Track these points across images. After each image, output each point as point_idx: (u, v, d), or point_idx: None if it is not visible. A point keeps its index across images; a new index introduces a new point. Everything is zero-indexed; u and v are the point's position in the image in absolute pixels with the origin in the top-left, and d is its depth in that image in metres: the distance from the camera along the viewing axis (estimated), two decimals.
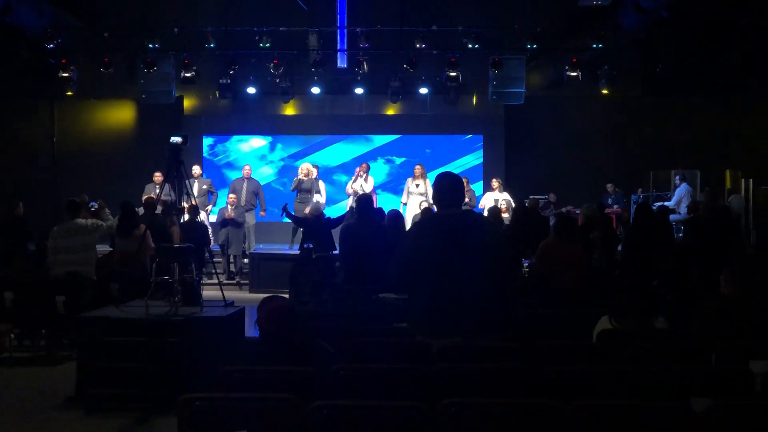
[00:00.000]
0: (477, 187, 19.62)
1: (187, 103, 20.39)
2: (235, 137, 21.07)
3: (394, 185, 20.43)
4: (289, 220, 14.53)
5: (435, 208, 6.44)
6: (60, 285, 10.34)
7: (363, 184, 16.93)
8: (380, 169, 20.32)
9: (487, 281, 5.70)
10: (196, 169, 17.60)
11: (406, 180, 17.95)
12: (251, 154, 20.96)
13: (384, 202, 17.84)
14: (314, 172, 17.36)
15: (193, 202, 12.59)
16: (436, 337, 5.64)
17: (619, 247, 12.03)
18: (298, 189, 16.86)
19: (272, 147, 21.04)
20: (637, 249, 10.30)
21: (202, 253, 12.58)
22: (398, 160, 20.88)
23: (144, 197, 14.62)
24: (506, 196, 17.33)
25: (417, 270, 5.78)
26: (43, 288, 10.36)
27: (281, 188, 20.31)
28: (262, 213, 17.49)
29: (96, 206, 12.06)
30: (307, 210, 15.16)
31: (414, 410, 4.09)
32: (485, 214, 15.94)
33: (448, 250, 5.68)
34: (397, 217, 10.22)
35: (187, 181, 9.74)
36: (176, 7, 18.71)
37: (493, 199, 17.10)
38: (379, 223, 10.28)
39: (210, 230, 16.03)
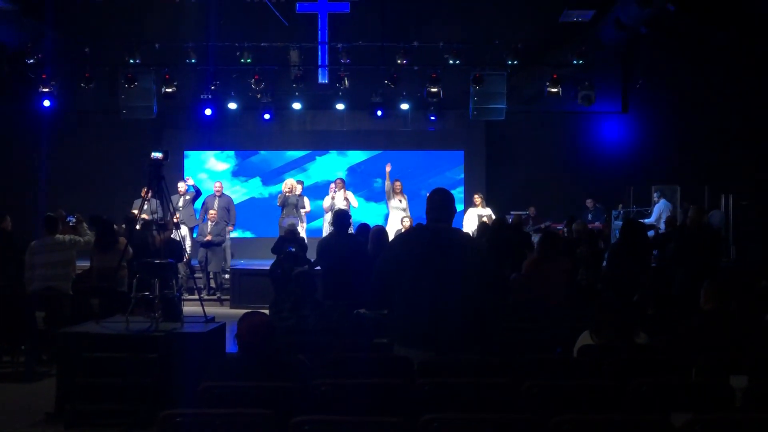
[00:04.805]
0: (458, 203, 19.59)
1: (168, 118, 20.29)
2: (210, 153, 21.09)
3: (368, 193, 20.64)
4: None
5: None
6: (37, 300, 10.29)
7: (343, 199, 16.82)
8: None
9: (468, 296, 5.72)
10: (182, 186, 17.32)
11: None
12: (228, 170, 20.99)
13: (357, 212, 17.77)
14: (298, 188, 17.27)
15: (175, 218, 12.53)
16: (414, 348, 5.66)
17: (604, 263, 12.09)
18: (283, 205, 16.80)
19: (252, 163, 21.01)
20: (621, 264, 10.33)
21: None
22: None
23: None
24: (489, 211, 17.29)
25: (398, 280, 5.81)
26: (21, 303, 10.30)
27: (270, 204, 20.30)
28: (230, 228, 17.37)
29: (74, 221, 11.98)
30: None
31: (395, 426, 4.08)
32: (472, 230, 16.00)
33: (429, 262, 5.72)
34: (380, 232, 10.18)
35: (165, 197, 9.67)
36: (157, 23, 18.69)
37: (477, 214, 17.07)
38: (357, 238, 10.25)
39: (189, 245, 15.97)
